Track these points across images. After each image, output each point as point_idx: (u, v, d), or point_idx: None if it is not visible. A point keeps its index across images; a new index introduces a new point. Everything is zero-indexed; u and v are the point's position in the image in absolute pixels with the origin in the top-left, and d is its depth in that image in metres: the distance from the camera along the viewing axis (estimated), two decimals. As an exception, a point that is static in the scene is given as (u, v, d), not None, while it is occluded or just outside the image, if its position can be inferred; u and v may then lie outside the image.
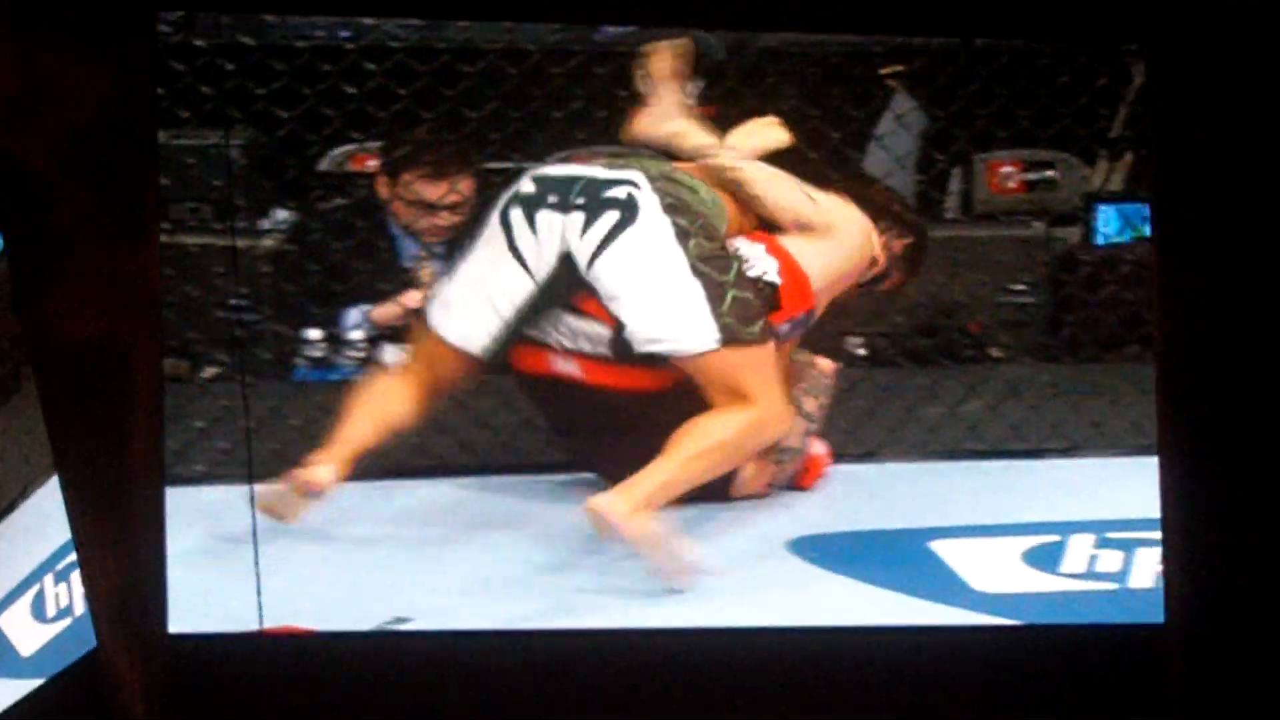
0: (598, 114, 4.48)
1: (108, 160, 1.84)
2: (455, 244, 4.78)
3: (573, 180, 3.79)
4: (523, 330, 3.88)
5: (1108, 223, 5.87)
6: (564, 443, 4.18)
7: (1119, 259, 5.35)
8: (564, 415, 4.08)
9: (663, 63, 3.87)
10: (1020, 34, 4.36)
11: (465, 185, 4.79)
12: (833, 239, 3.97)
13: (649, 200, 3.72)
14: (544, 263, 3.79)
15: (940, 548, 3.77)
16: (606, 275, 3.73)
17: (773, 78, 4.72)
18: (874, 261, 4.14)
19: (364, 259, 4.61)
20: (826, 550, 3.76)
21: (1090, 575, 3.69)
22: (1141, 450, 4.46)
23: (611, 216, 3.72)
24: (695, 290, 3.68)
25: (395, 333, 4.67)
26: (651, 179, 3.76)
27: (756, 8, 2.04)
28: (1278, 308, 1.90)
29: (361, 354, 4.67)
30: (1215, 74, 1.85)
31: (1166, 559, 2.09)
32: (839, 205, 4.01)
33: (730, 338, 3.68)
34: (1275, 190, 1.87)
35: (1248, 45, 1.83)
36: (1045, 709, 2.91)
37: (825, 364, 4.11)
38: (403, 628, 3.31)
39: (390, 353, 4.65)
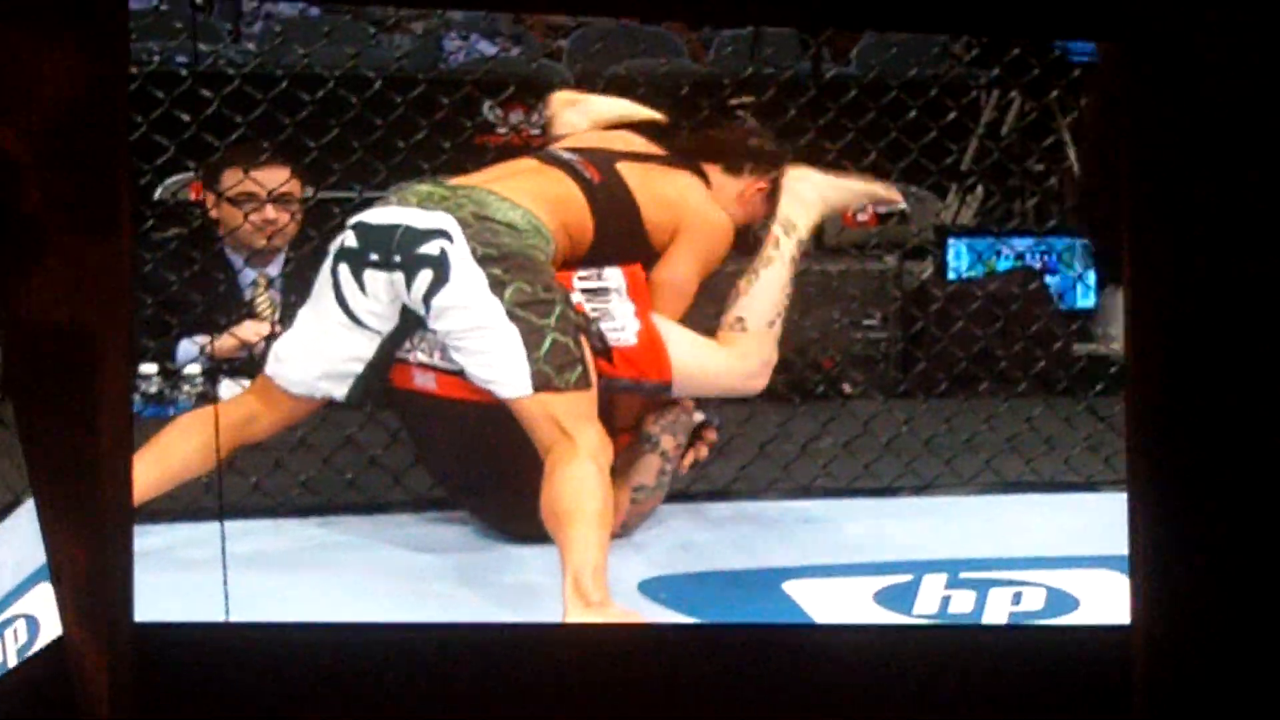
0: (440, 143, 4.40)
1: (79, 148, 1.79)
2: (292, 278, 4.70)
3: (391, 231, 3.70)
4: (384, 370, 3.81)
5: (959, 257, 5.88)
6: (430, 468, 4.12)
7: (971, 294, 5.35)
8: (426, 432, 4.01)
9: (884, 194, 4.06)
10: (996, 30, 4.34)
11: (284, 176, 4.70)
12: (737, 355, 3.95)
13: (461, 253, 3.64)
14: (384, 319, 3.73)
15: (793, 588, 3.72)
16: (436, 326, 3.68)
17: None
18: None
19: (200, 289, 4.50)
20: (678, 591, 3.69)
21: (942, 615, 3.65)
22: (994, 488, 4.47)
23: (427, 275, 3.65)
24: (511, 336, 3.61)
25: (234, 366, 4.57)
26: (464, 224, 3.67)
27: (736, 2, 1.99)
28: (1251, 335, 1.85)
29: (199, 389, 4.57)
30: (1195, 79, 1.79)
31: (1134, 567, 2.03)
32: (774, 341, 3.98)
33: (544, 384, 3.61)
34: (1254, 213, 1.81)
35: (1229, 50, 1.77)
36: (1004, 711, 2.87)
37: (687, 402, 4.04)
38: (371, 619, 3.28)
39: (228, 388, 4.54)
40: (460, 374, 3.74)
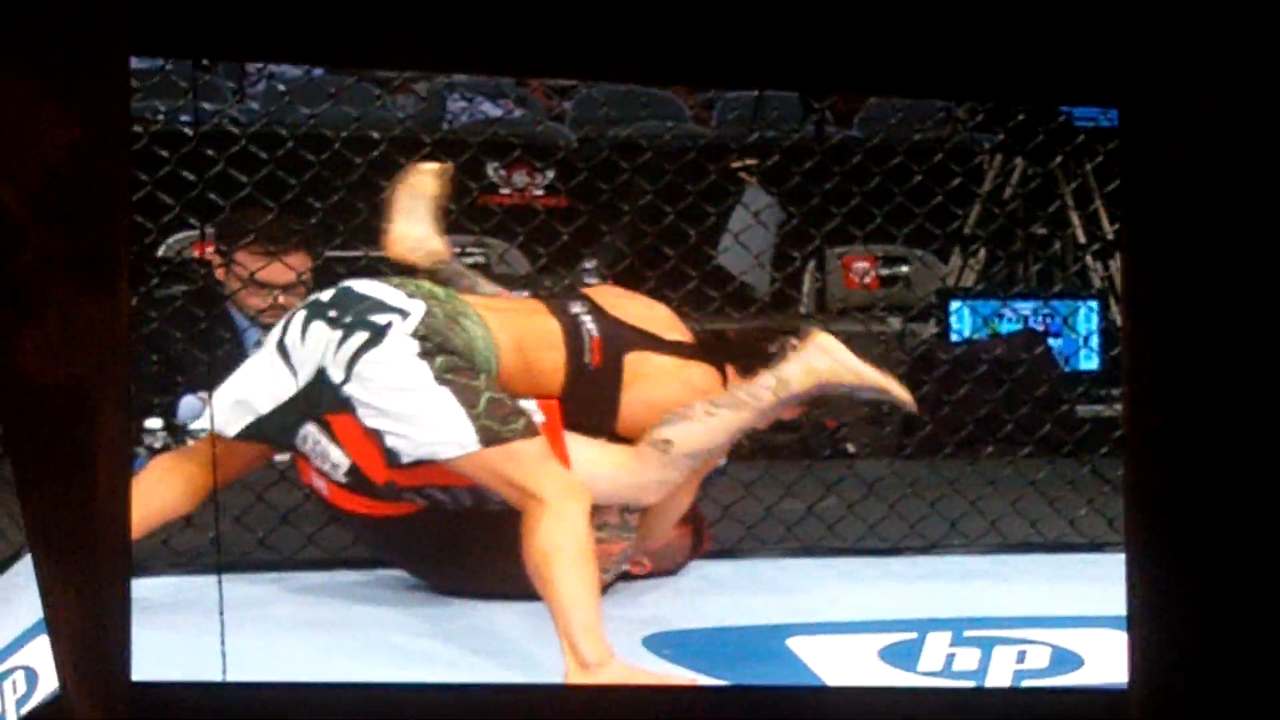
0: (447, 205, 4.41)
1: (78, 205, 1.79)
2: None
3: (362, 299, 3.70)
4: (283, 423, 3.75)
5: (961, 319, 5.89)
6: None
7: (975, 356, 5.35)
8: (331, 521, 4.03)
9: (894, 389, 3.90)
10: (996, 95, 4.35)
11: (298, 261, 4.71)
12: (645, 468, 3.84)
13: (404, 328, 3.63)
14: (304, 371, 3.70)
15: (797, 644, 3.71)
16: (358, 390, 3.62)
17: (625, 170, 4.68)
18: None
19: (205, 347, 4.50)
20: (682, 647, 3.68)
21: (947, 673, 3.64)
22: (999, 549, 4.46)
23: (361, 337, 3.62)
24: (444, 397, 3.58)
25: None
26: (429, 314, 3.67)
27: (730, 65, 1.98)
28: (1250, 396, 1.85)
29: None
30: (1196, 142, 1.80)
31: (1131, 627, 2.03)
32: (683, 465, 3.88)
33: (490, 438, 3.57)
34: (1253, 273, 1.81)
35: (1226, 112, 1.77)
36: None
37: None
38: (366, 679, 3.27)
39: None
40: (349, 486, 3.73)
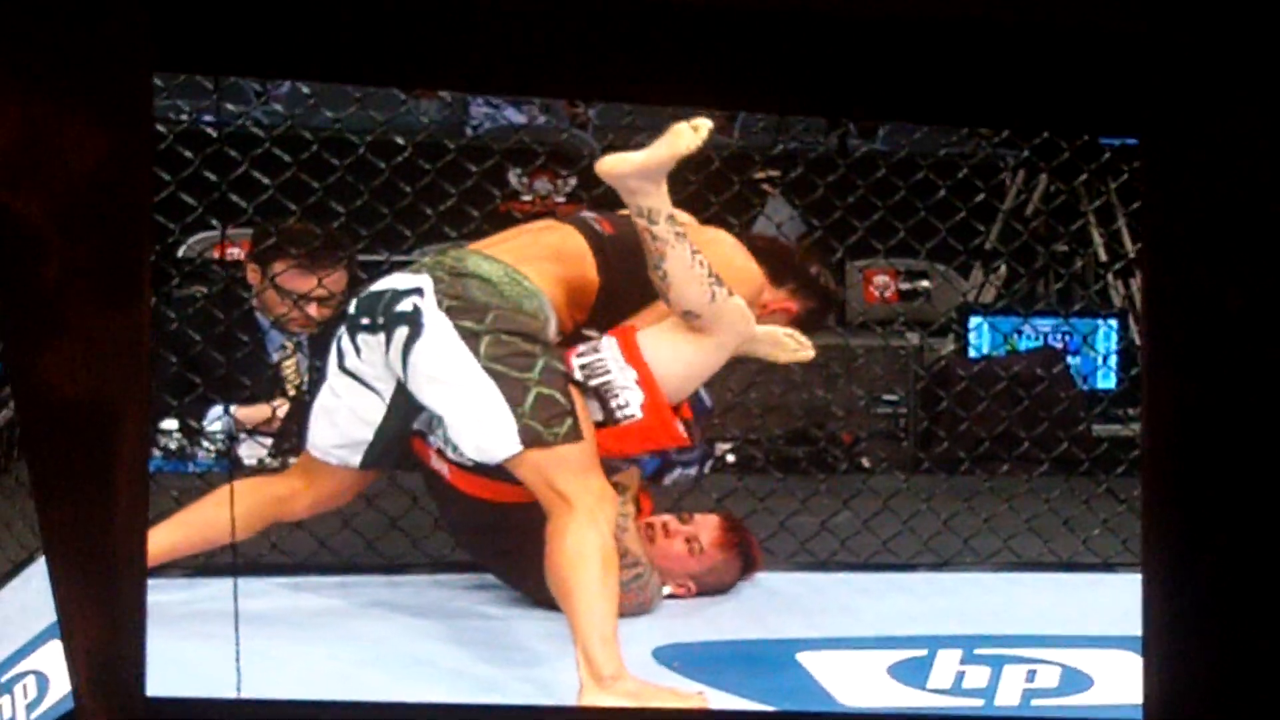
0: (467, 210, 4.42)
1: (102, 220, 1.81)
2: (319, 340, 4.72)
3: (379, 296, 3.72)
4: (393, 438, 3.83)
5: (981, 335, 5.89)
6: (452, 536, 4.13)
7: (993, 373, 5.34)
8: (443, 508, 4.03)
9: (688, 135, 3.65)
10: (1016, 125, 4.35)
11: (336, 279, 4.73)
12: (713, 338, 3.80)
13: (430, 306, 3.63)
14: (380, 379, 3.74)
15: (807, 659, 3.71)
16: (419, 392, 3.66)
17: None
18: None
19: (227, 349, 4.51)
20: (692, 659, 3.68)
21: (956, 691, 3.64)
22: (1012, 567, 4.46)
23: (403, 331, 3.64)
24: (490, 391, 3.57)
25: (258, 432, 4.59)
26: (437, 280, 3.66)
27: (741, 89, 1.99)
28: (1270, 419, 1.86)
29: (220, 447, 4.58)
30: (1214, 171, 1.81)
31: (1147, 649, 2.04)
32: (733, 305, 3.81)
33: (533, 440, 3.56)
34: (1272, 298, 1.82)
35: (1247, 142, 1.78)
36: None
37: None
38: (382, 699, 3.27)
39: (249, 447, 4.56)
40: (472, 469, 3.75)
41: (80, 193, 1.78)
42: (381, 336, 3.67)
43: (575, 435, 3.61)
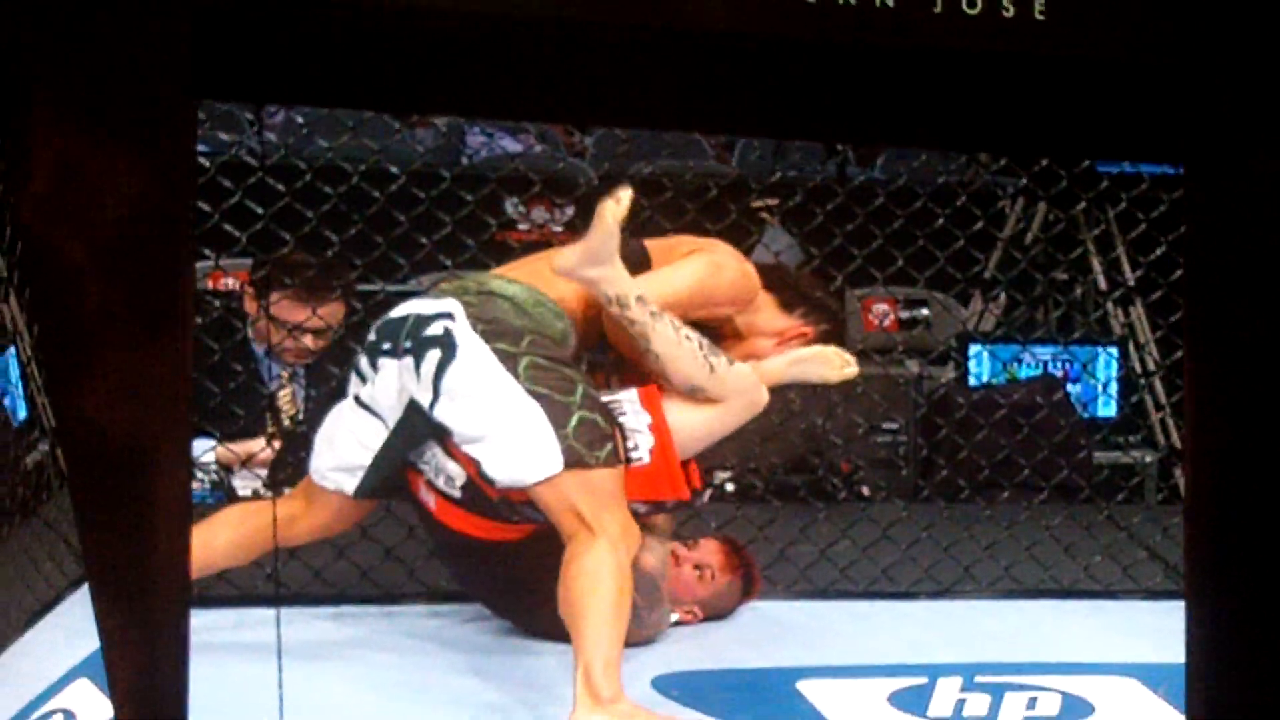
0: (463, 238, 4.40)
1: (142, 252, 1.81)
2: (315, 370, 4.71)
3: (402, 321, 3.70)
4: (391, 466, 3.78)
5: (980, 363, 5.87)
6: (446, 568, 4.12)
7: (993, 401, 5.33)
8: (431, 539, 4.01)
9: (613, 208, 3.66)
10: (1060, 153, 4.34)
11: (331, 311, 4.71)
12: (721, 406, 3.82)
13: (464, 329, 3.62)
14: (388, 408, 3.71)
15: (807, 687, 3.69)
16: (449, 418, 3.63)
17: (647, 208, 4.67)
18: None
19: (221, 379, 4.48)
20: (691, 688, 3.67)
21: (957, 719, 3.62)
22: (1013, 594, 4.44)
23: (435, 355, 3.62)
24: (535, 413, 3.57)
25: (245, 467, 4.57)
26: (467, 305, 3.65)
27: (733, 113, 1.99)
28: None
29: (213, 477, 4.56)
30: (1259, 202, 1.81)
31: (1190, 674, 2.04)
32: (737, 372, 3.84)
33: (575, 460, 3.56)
34: None
35: None
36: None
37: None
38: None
39: (242, 478, 4.54)
40: (460, 503, 3.73)
41: (120, 228, 1.78)
42: (409, 361, 3.64)
43: (615, 460, 3.63)
